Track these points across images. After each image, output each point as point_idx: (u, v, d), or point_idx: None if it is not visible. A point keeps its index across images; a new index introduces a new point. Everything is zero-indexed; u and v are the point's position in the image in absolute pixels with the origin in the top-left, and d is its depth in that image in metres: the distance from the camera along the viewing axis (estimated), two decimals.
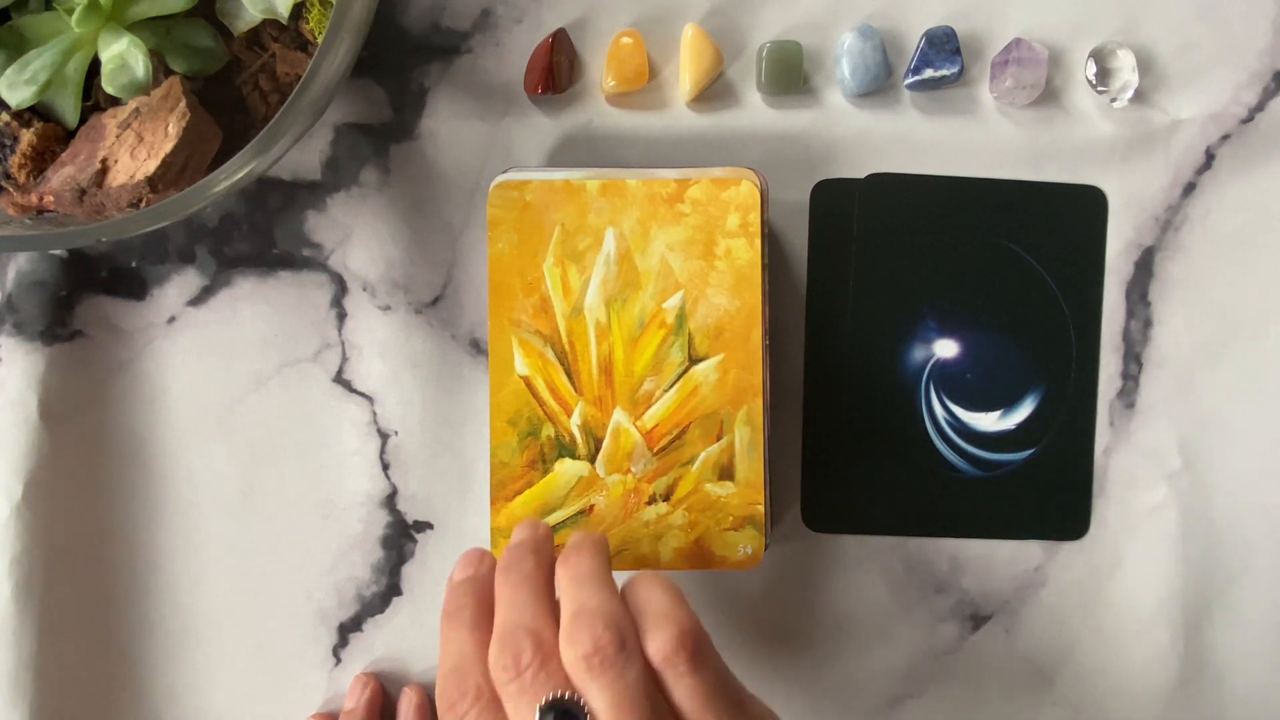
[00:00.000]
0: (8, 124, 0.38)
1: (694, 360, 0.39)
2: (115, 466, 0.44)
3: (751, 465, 0.39)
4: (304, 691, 0.45)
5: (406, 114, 0.44)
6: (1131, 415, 0.44)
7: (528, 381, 0.39)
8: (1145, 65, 0.43)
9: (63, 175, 0.38)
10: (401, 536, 0.45)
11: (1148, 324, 0.44)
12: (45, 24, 0.38)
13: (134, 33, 0.36)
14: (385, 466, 0.45)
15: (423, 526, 0.45)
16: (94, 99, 0.39)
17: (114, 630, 0.45)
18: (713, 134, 0.44)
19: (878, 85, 0.43)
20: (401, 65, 0.44)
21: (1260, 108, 0.44)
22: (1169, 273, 0.44)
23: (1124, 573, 0.45)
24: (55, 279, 0.43)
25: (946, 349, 0.43)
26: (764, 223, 0.39)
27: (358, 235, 0.44)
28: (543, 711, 0.29)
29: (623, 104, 0.44)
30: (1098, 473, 0.44)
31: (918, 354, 0.43)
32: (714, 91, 0.44)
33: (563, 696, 0.30)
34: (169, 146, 0.37)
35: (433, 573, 0.45)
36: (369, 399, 0.45)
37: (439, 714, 0.32)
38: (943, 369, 0.43)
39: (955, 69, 0.43)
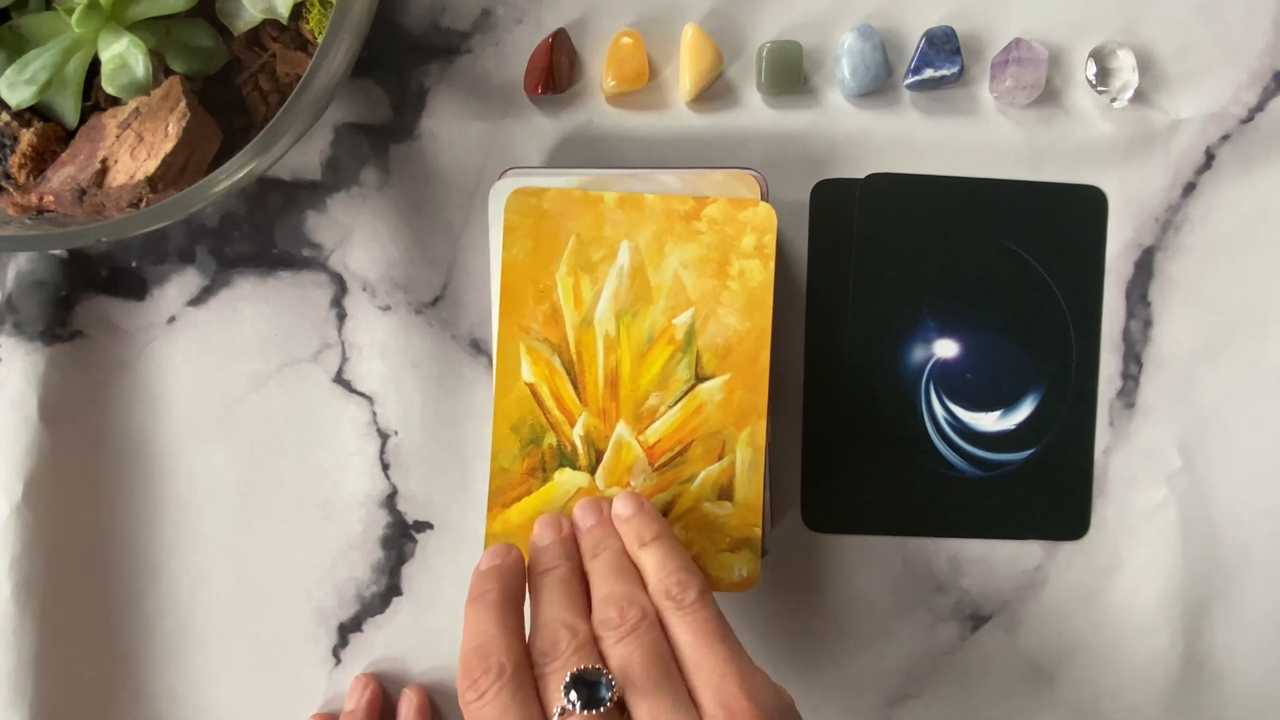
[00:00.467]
0: (8, 124, 0.38)
1: (700, 378, 0.39)
2: (115, 466, 0.44)
3: (751, 486, 0.39)
4: (304, 691, 0.45)
5: (406, 114, 0.44)
6: (1131, 415, 0.44)
7: (533, 389, 0.39)
8: (1145, 65, 0.43)
9: (63, 175, 0.38)
10: (401, 536, 0.45)
11: (1148, 324, 0.44)
12: (45, 24, 0.38)
13: (134, 33, 0.36)
14: (385, 466, 0.45)
15: (423, 526, 0.45)
16: (94, 99, 0.39)
17: (114, 630, 0.45)
18: (713, 134, 0.44)
19: (878, 85, 0.43)
20: (401, 65, 0.44)
21: (1260, 108, 0.44)
22: (1169, 273, 0.44)
23: (1124, 573, 0.45)
24: (55, 279, 0.43)
25: (947, 349, 0.43)
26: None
27: (358, 235, 0.44)
28: (566, 687, 0.31)
29: (623, 104, 0.44)
30: (1098, 473, 0.44)
31: (918, 354, 0.43)
32: (714, 91, 0.44)
33: (584, 668, 0.31)
34: (169, 146, 0.37)
35: (433, 573, 0.45)
36: (369, 399, 0.44)
37: (460, 690, 0.33)
38: (943, 369, 0.43)
39: (955, 69, 0.43)
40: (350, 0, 0.35)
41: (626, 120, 0.44)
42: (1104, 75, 0.43)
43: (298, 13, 0.39)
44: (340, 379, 0.45)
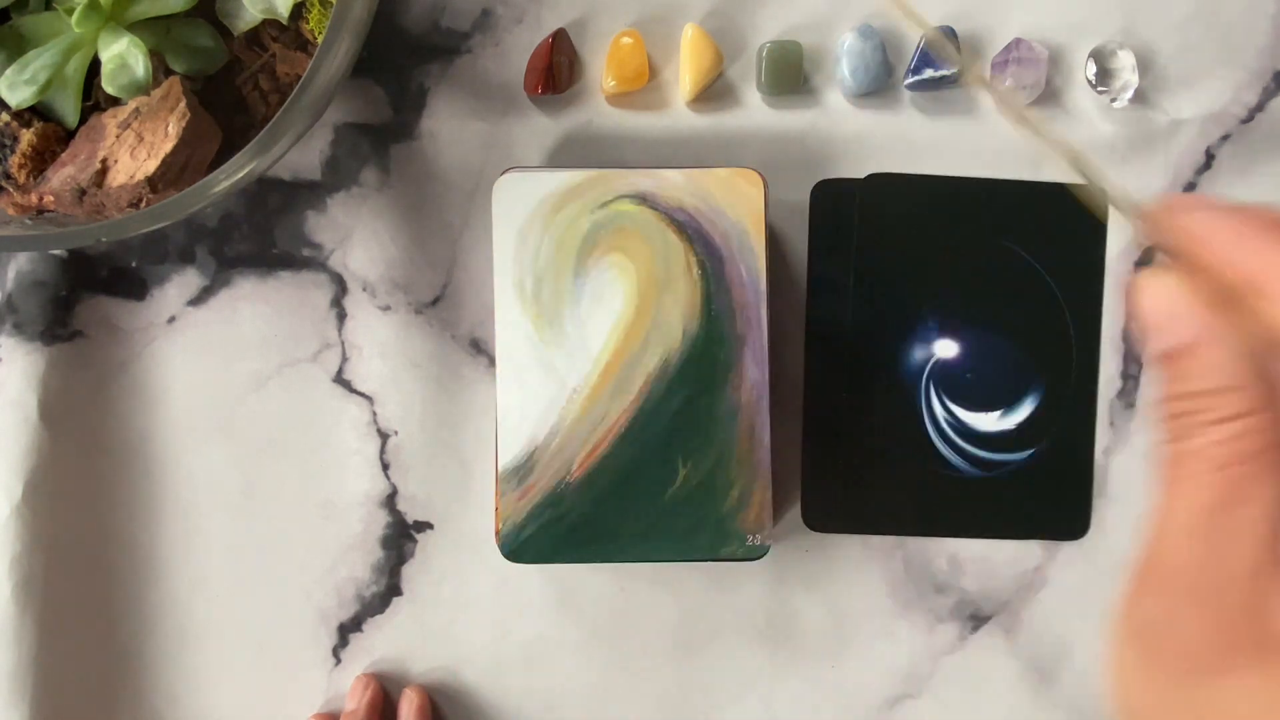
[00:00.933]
0: (8, 124, 0.38)
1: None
2: (115, 466, 0.44)
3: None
4: (304, 691, 0.45)
5: (406, 114, 0.44)
6: (1131, 415, 0.44)
7: None
8: (1145, 65, 0.43)
9: (63, 175, 0.38)
10: (401, 536, 0.45)
11: None
12: (45, 24, 0.38)
13: (134, 33, 0.36)
14: (385, 466, 0.45)
15: (423, 526, 0.45)
16: (94, 99, 0.39)
17: (114, 630, 0.45)
18: (713, 134, 0.44)
19: (878, 85, 0.43)
20: (401, 65, 0.44)
21: (1260, 108, 0.44)
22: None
23: (1124, 573, 0.45)
24: (55, 279, 0.43)
25: (947, 349, 0.43)
26: (765, 223, 0.39)
27: (358, 235, 0.44)
28: None
29: (623, 104, 0.44)
30: (1098, 473, 0.44)
31: (918, 354, 0.43)
32: (714, 91, 0.44)
33: None
34: (169, 146, 0.37)
35: (433, 573, 0.45)
36: (369, 399, 0.45)
37: None
38: (943, 369, 0.43)
39: (955, 69, 0.43)
40: (350, 0, 0.35)
41: (626, 120, 0.44)
42: (1104, 75, 0.43)
43: (298, 13, 0.39)
44: (340, 379, 0.45)
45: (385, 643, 0.45)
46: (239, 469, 0.45)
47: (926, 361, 0.43)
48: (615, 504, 0.40)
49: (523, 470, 0.40)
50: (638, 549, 0.40)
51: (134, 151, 0.37)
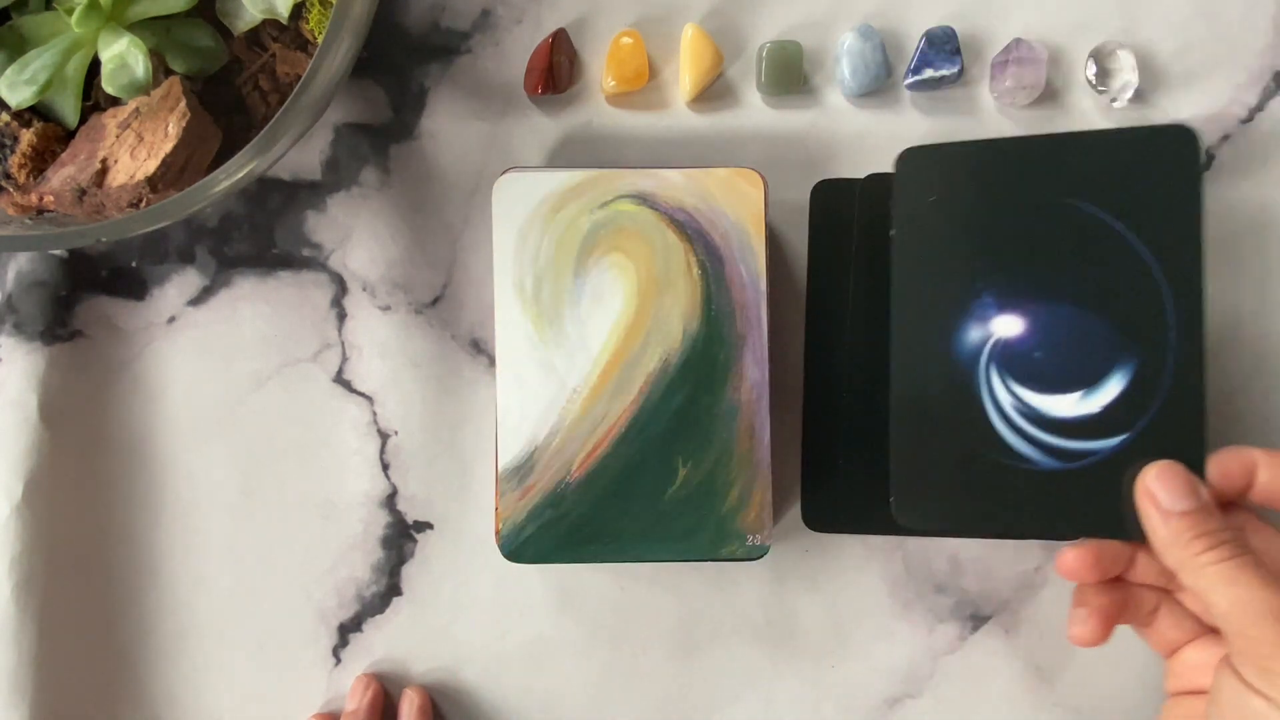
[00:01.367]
0: (8, 124, 0.38)
1: None
2: (115, 466, 0.45)
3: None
4: (304, 691, 0.45)
5: (406, 114, 0.44)
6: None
7: None
8: (1145, 65, 0.43)
9: (63, 175, 0.38)
10: (401, 536, 0.45)
11: None
12: (45, 24, 0.38)
13: (134, 33, 0.36)
14: (385, 466, 0.45)
15: (423, 526, 0.45)
16: (94, 99, 0.39)
17: (114, 630, 0.45)
18: (713, 134, 0.44)
19: (878, 85, 0.43)
20: (401, 65, 0.44)
21: (1260, 108, 0.44)
22: None
23: None
24: (55, 279, 0.43)
25: (1009, 326, 0.38)
26: (765, 223, 0.39)
27: (358, 235, 0.44)
28: None
29: (623, 104, 0.44)
30: None
31: (973, 335, 0.38)
32: (714, 91, 0.44)
33: None
34: (169, 146, 0.37)
35: (433, 573, 0.45)
36: (369, 399, 0.45)
37: None
38: (1005, 349, 0.38)
39: (955, 69, 0.43)
40: (350, 0, 0.35)
41: (626, 120, 0.44)
42: (1104, 75, 0.43)
43: (298, 13, 0.39)
44: (340, 379, 0.45)
45: (385, 643, 0.45)
46: (239, 469, 0.45)
47: (985, 342, 0.38)
48: (615, 504, 0.40)
49: (523, 470, 0.40)
50: (638, 549, 0.40)
51: (134, 151, 0.37)
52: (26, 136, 0.38)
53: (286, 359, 0.45)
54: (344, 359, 0.45)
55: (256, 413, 0.45)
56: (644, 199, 0.40)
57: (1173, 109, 0.44)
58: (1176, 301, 0.37)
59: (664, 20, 0.44)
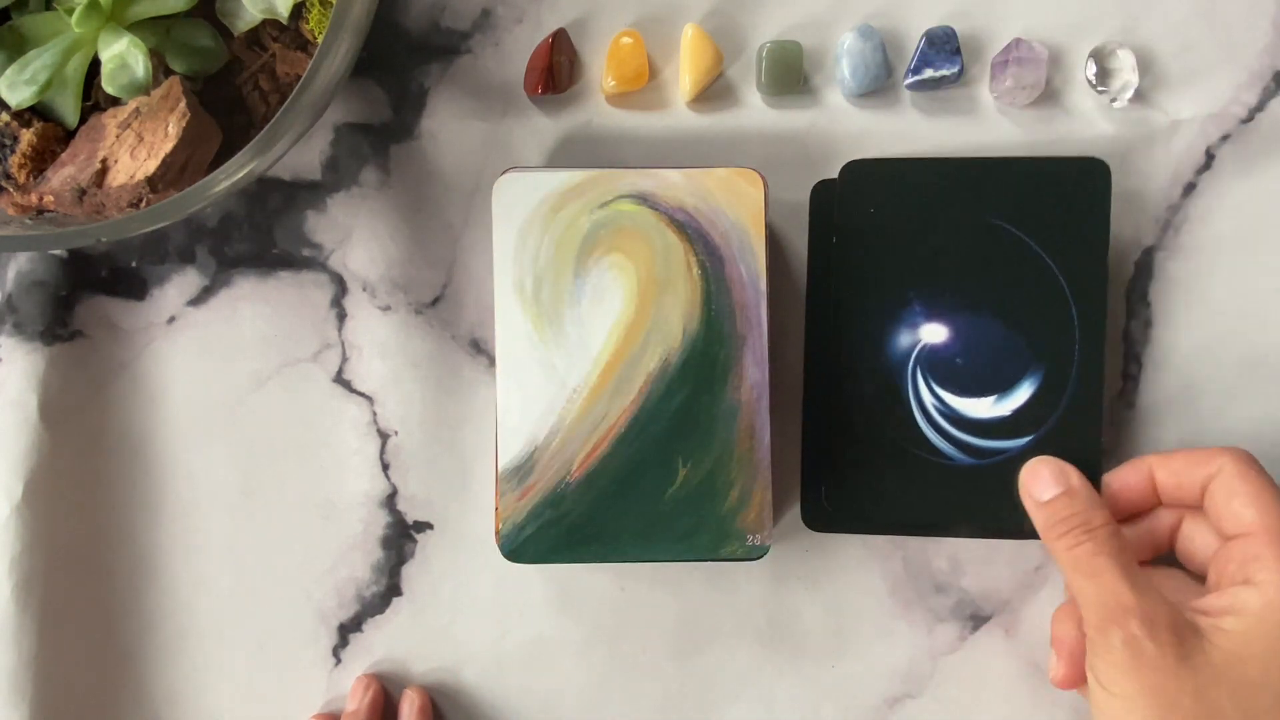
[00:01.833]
0: (8, 124, 0.38)
1: None
2: (115, 466, 0.45)
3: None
4: (304, 691, 0.45)
5: (406, 114, 0.44)
6: (1132, 415, 0.44)
7: None
8: (1145, 65, 0.43)
9: (63, 175, 0.38)
10: (401, 536, 0.45)
11: (1148, 324, 0.44)
12: (45, 24, 0.38)
13: (134, 33, 0.36)
14: (385, 466, 0.45)
15: (423, 526, 0.45)
16: (94, 99, 0.39)
17: (114, 630, 0.45)
18: (713, 134, 0.44)
19: (878, 85, 0.43)
20: (401, 65, 0.44)
21: (1260, 108, 0.44)
22: (1169, 273, 0.44)
23: None
24: (55, 279, 0.43)
25: (934, 334, 0.42)
26: (765, 223, 0.39)
27: (358, 235, 0.44)
28: None
29: (623, 104, 0.44)
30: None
31: (904, 340, 0.42)
32: (714, 91, 0.44)
33: None
34: (169, 146, 0.37)
35: (433, 573, 0.45)
36: (369, 399, 0.45)
37: None
38: (931, 354, 0.42)
39: (955, 69, 0.43)
40: (350, 0, 0.35)
41: (626, 120, 0.44)
42: (1104, 75, 0.43)
43: (298, 13, 0.39)
44: (340, 379, 0.45)
45: (385, 643, 0.45)
46: (239, 469, 0.45)
47: (913, 347, 0.42)
48: (615, 504, 0.40)
49: (523, 470, 0.40)
50: (638, 549, 0.40)
51: (134, 151, 0.37)
52: (26, 136, 0.38)
53: (286, 359, 0.45)
54: (344, 359, 0.45)
55: (256, 413, 0.45)
56: (644, 199, 0.40)
57: (1173, 109, 0.44)
58: (1081, 318, 0.42)
59: (664, 20, 0.44)
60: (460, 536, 0.45)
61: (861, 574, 0.45)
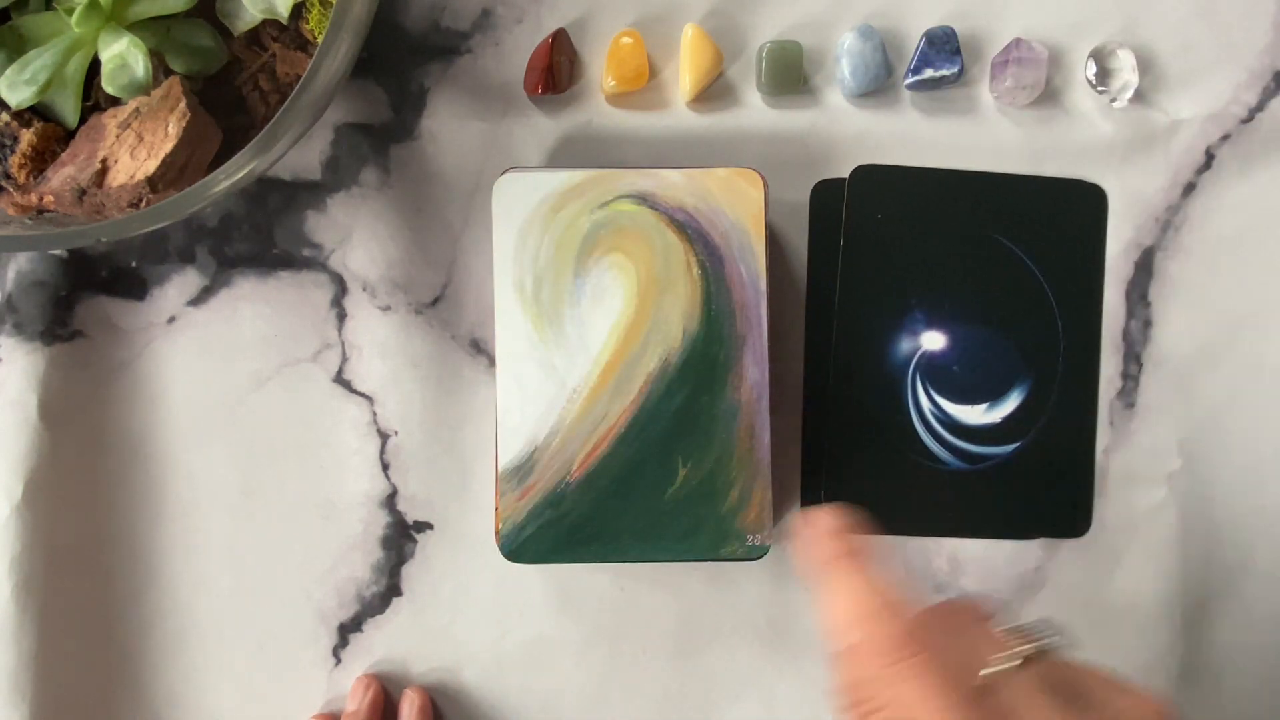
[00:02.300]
0: (8, 124, 0.38)
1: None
2: (115, 466, 0.45)
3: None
4: (304, 692, 0.45)
5: (406, 114, 0.44)
6: (1131, 415, 0.44)
7: None
8: (1145, 65, 0.43)
9: (63, 175, 0.38)
10: (401, 536, 0.45)
11: (1148, 324, 0.44)
12: (45, 24, 0.38)
13: (134, 33, 0.36)
14: (385, 466, 0.45)
15: (423, 526, 0.45)
16: (94, 99, 0.39)
17: (114, 630, 0.45)
18: (713, 134, 0.44)
19: (878, 85, 0.43)
20: (401, 65, 0.44)
21: (1260, 108, 0.44)
22: (1169, 273, 0.44)
23: (1124, 572, 0.45)
24: (55, 279, 0.43)
25: (933, 341, 0.43)
26: (765, 223, 0.39)
27: (358, 235, 0.44)
28: None
29: (623, 104, 0.44)
30: (1098, 473, 0.44)
31: (905, 346, 0.43)
32: (714, 91, 0.44)
33: None
34: (169, 146, 0.37)
35: (433, 573, 0.45)
36: (369, 399, 0.45)
37: None
38: (930, 361, 0.43)
39: (955, 69, 0.43)
40: (350, 0, 0.35)
41: (626, 120, 0.44)
42: (1104, 75, 0.43)
43: (298, 13, 0.39)
44: (340, 379, 0.45)
45: (385, 643, 0.45)
46: (239, 469, 0.45)
47: (914, 354, 0.43)
48: (615, 504, 0.40)
49: (523, 470, 0.40)
50: (638, 549, 0.40)
51: (134, 151, 0.37)
52: (26, 136, 0.38)
53: (286, 359, 0.45)
54: (344, 359, 0.45)
55: (256, 413, 0.45)
56: (644, 199, 0.40)
57: (1173, 109, 0.44)
58: (1066, 333, 0.43)
59: (664, 20, 0.44)
60: (460, 536, 0.45)
61: None
